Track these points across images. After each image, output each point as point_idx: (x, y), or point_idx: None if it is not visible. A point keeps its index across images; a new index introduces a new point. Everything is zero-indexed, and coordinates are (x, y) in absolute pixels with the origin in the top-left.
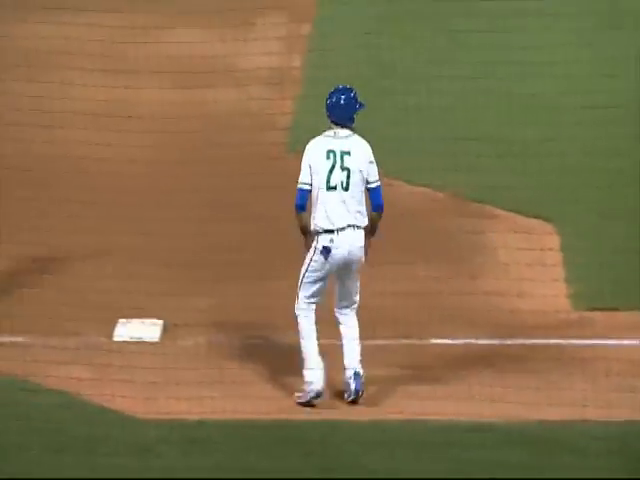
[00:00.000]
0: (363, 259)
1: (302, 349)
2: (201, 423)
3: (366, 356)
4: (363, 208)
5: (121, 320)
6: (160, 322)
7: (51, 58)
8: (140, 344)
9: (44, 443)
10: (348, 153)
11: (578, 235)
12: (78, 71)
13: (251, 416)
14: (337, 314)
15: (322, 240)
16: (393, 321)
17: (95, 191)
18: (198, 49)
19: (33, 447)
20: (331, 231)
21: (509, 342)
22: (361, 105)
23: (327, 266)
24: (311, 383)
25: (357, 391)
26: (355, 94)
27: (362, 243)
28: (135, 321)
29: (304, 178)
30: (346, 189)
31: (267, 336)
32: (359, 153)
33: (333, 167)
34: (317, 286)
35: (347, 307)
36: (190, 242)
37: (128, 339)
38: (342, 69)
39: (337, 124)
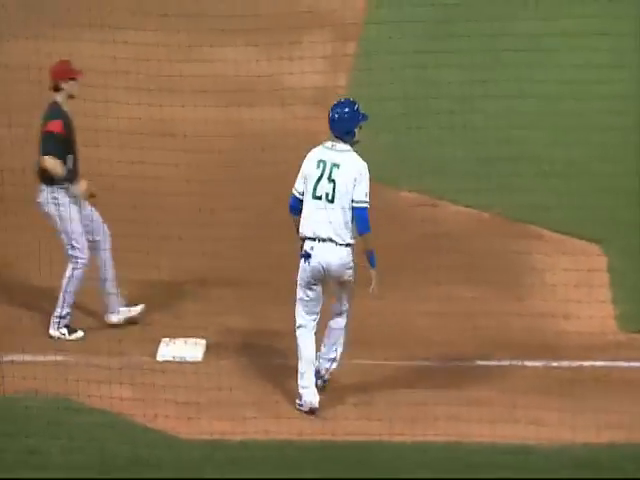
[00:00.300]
0: (347, 275)
1: (298, 366)
2: (244, 444)
3: (410, 377)
4: (347, 225)
5: (164, 339)
6: (203, 342)
7: (92, 76)
8: (183, 364)
9: (87, 463)
10: (337, 166)
11: (625, 256)
12: (121, 90)
13: (294, 437)
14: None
15: (305, 246)
16: (437, 343)
17: (135, 210)
18: (243, 67)
19: (77, 467)
20: (313, 239)
21: (555, 364)
22: (362, 118)
23: (309, 274)
24: (305, 401)
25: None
26: (355, 108)
27: (344, 261)
28: (178, 341)
29: (297, 185)
30: (331, 201)
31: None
32: (348, 168)
33: (321, 177)
34: (308, 297)
35: (338, 315)
36: (233, 261)
37: (171, 359)
38: (387, 88)
39: (336, 137)
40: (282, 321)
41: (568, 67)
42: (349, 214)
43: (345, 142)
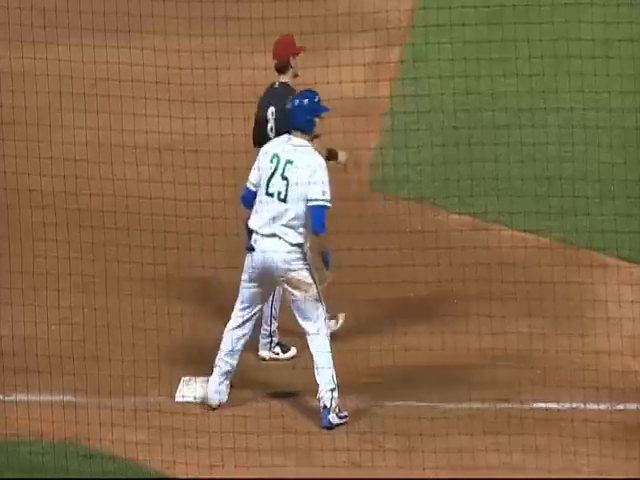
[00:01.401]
0: (296, 276)
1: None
2: None
3: (459, 421)
4: (299, 225)
5: (184, 378)
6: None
7: (107, 86)
8: (205, 405)
9: None
10: (291, 162)
11: None
12: (138, 100)
13: None
14: None
15: (252, 239)
16: (490, 383)
17: (154, 235)
18: (274, 76)
19: None
20: (259, 234)
21: (621, 407)
22: (320, 110)
23: (251, 269)
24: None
25: (327, 426)
26: (312, 99)
27: (289, 260)
28: (199, 379)
29: (250, 177)
30: (284, 200)
31: (347, 398)
32: (302, 165)
33: (274, 173)
34: (248, 292)
35: (306, 333)
36: None
37: (192, 399)
38: (435, 98)
39: (293, 129)
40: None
41: (637, 77)
42: (302, 213)
43: (303, 135)
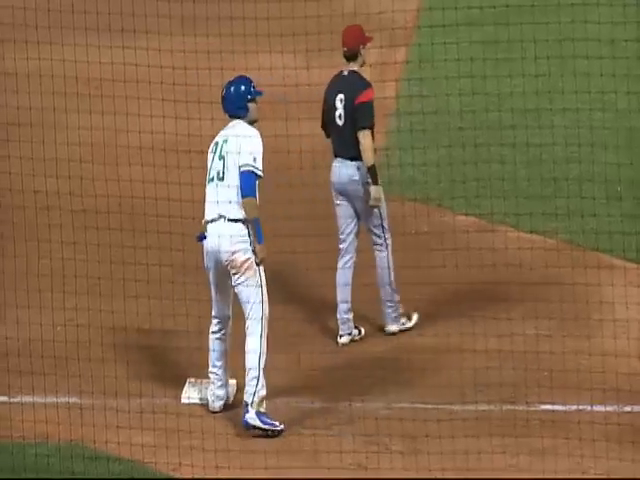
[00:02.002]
0: (238, 258)
1: None
2: None
3: (465, 423)
4: (237, 198)
5: (190, 380)
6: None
7: (112, 86)
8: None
9: None
10: (226, 141)
11: None
12: (143, 101)
13: None
14: None
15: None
16: (496, 384)
17: (161, 237)
18: (279, 76)
19: None
20: (208, 221)
21: (628, 409)
22: (253, 93)
23: (206, 258)
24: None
25: (245, 426)
26: (245, 84)
27: (231, 233)
28: (205, 381)
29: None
30: (221, 179)
31: (350, 399)
32: (235, 138)
33: (214, 158)
34: (213, 291)
35: (245, 316)
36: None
37: (197, 401)
38: (441, 99)
39: (230, 117)
40: (321, 358)
41: None
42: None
43: (240, 120)
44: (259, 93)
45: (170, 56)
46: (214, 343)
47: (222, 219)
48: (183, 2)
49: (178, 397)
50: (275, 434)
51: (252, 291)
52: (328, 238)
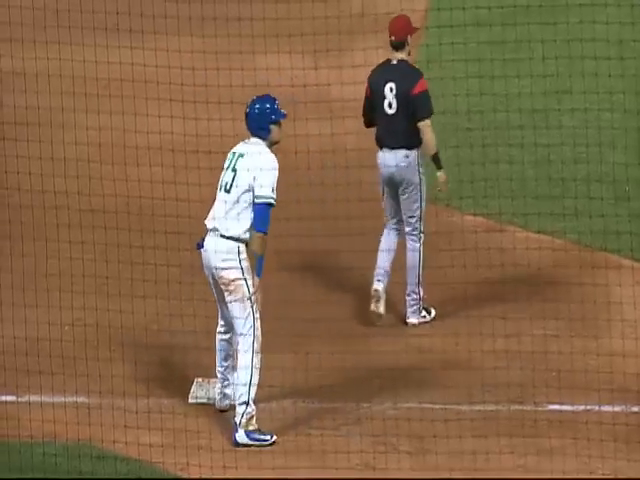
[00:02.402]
0: (226, 275)
1: None
2: None
3: (473, 423)
4: (239, 217)
5: (197, 379)
6: None
7: (120, 87)
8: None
9: None
10: (242, 155)
11: None
12: (151, 101)
13: None
14: None
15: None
16: (504, 384)
17: (169, 237)
18: (287, 77)
19: None
20: (206, 230)
21: (635, 409)
22: (278, 116)
23: (205, 270)
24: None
25: (235, 444)
26: (270, 105)
27: (222, 249)
28: (212, 380)
29: None
30: (228, 191)
31: (358, 399)
32: (253, 157)
33: (227, 167)
34: (215, 296)
35: (235, 332)
36: (274, 294)
37: (205, 401)
38: (449, 100)
39: (252, 135)
40: (329, 358)
41: None
42: (243, 207)
43: (261, 140)
44: (283, 115)
45: (178, 56)
46: (220, 344)
47: (216, 232)
48: (191, 3)
49: (185, 397)
50: (267, 445)
51: (241, 307)
52: (336, 239)
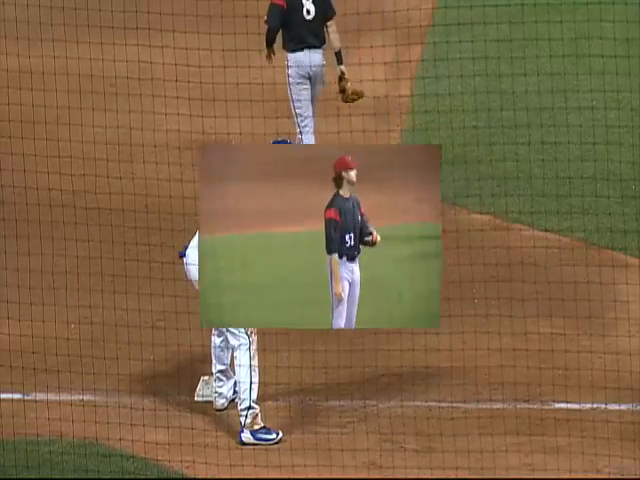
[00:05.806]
0: None
1: None
2: None
3: (479, 421)
4: None
5: (204, 377)
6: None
7: (127, 84)
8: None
9: None
10: None
11: None
12: (158, 99)
13: None
14: None
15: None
16: (511, 383)
17: (174, 234)
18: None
19: None
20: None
21: None
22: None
23: None
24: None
25: (240, 443)
26: None
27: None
28: None
29: None
30: None
31: (368, 398)
32: None
33: None
34: None
35: (232, 346)
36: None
37: (211, 399)
38: (456, 98)
39: None
40: (336, 356)
41: None
42: None
43: None
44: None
45: (185, 54)
46: (215, 344)
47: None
48: (198, 0)
49: (192, 395)
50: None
51: None
52: None
